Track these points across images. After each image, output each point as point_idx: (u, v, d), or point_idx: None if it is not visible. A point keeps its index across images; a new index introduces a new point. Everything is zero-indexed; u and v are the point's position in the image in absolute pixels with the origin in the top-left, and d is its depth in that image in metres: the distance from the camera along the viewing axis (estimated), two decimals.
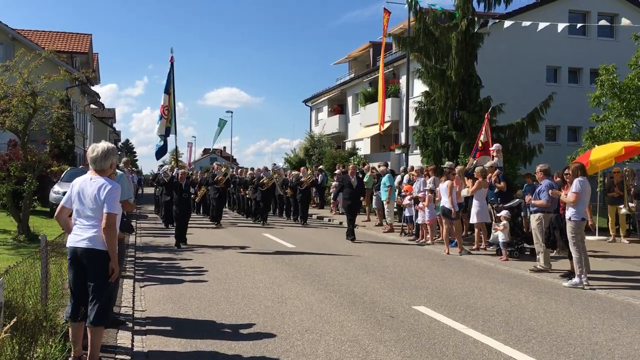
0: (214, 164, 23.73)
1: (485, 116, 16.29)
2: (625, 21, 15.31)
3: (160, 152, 16.41)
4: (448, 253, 12.52)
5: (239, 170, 21.51)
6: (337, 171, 23.50)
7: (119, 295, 7.60)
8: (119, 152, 64.26)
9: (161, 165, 22.91)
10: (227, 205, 23.36)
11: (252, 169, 23.48)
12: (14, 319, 3.95)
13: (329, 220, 20.65)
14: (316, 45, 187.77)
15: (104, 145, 5.02)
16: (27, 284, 5.17)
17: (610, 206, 14.43)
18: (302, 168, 23.24)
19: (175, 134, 16.20)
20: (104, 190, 4.76)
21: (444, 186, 12.73)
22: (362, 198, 15.72)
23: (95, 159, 4.93)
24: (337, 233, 16.63)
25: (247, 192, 20.85)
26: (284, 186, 20.43)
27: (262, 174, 20.53)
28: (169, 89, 15.78)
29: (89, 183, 4.88)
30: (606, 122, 18.00)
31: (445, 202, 12.65)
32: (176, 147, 17.51)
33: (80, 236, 4.79)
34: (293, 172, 21.91)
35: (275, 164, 23.57)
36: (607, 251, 12.71)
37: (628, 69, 17.96)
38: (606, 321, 6.95)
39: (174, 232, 15.78)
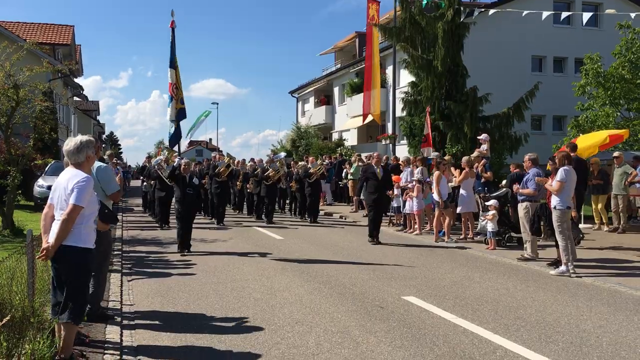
0: (215, 154, 20.57)
1: (427, 110, 16.82)
2: (609, 11, 15.43)
3: (175, 139, 14.35)
4: (436, 241, 12.62)
5: (236, 161, 18.78)
6: (325, 162, 23.48)
7: (106, 289, 7.54)
8: (104, 145, 63.65)
9: (149, 157, 21.44)
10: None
11: (252, 159, 21.08)
12: (7, 318, 3.89)
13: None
14: (302, 36, 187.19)
15: (77, 138, 5.00)
16: (13, 280, 5.10)
17: (593, 195, 14.56)
18: (310, 158, 20.94)
19: (185, 116, 13.98)
20: (72, 182, 4.70)
21: (433, 176, 12.80)
22: (389, 192, 13.82)
23: (69, 153, 4.91)
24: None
25: (248, 185, 18.60)
26: (288, 179, 18.54)
27: (267, 166, 17.81)
28: (174, 62, 13.57)
29: (63, 176, 4.88)
30: (591, 111, 18.16)
31: (433, 192, 12.73)
32: (180, 132, 14.95)
33: (52, 230, 4.74)
34: (300, 163, 19.49)
35: (275, 153, 21.96)
36: (593, 239, 12.83)
37: (612, 57, 18.10)
38: (593, 309, 7.02)
39: (163, 227, 15.18)
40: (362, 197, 16.50)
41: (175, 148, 15.75)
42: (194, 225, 11.63)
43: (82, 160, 4.92)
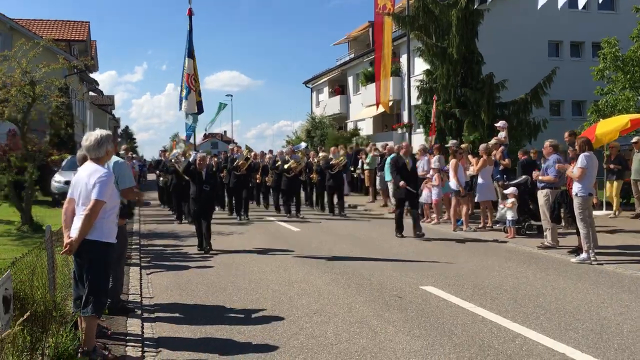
0: (232, 146, 19.25)
1: (433, 98, 17.48)
2: None
3: (190, 134, 13.34)
4: (455, 230, 12.55)
5: (252, 154, 17.41)
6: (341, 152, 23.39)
7: (126, 283, 7.62)
8: (119, 139, 64.11)
9: (164, 151, 21.24)
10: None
11: (270, 151, 20.61)
12: (28, 312, 3.94)
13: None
14: (316, 26, 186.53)
15: (97, 133, 5.00)
16: (34, 275, 5.16)
17: (608, 181, 14.33)
18: (332, 148, 19.65)
19: (202, 109, 12.69)
20: (94, 177, 4.73)
21: (450, 165, 12.72)
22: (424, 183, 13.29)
23: (89, 148, 4.92)
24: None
25: (267, 178, 17.68)
26: (308, 170, 17.59)
27: (288, 157, 16.96)
28: (192, 52, 12.37)
29: (83, 171, 4.91)
30: (611, 95, 17.86)
31: (450, 181, 12.64)
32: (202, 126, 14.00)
33: (74, 225, 4.80)
34: (320, 154, 18.51)
35: (292, 144, 20.90)
36: (614, 226, 12.67)
37: (630, 41, 17.78)
38: (614, 296, 6.93)
39: (181, 222, 14.90)
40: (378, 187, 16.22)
41: (191, 141, 15.25)
42: (212, 221, 11.09)
43: (102, 155, 4.95)
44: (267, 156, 19.11)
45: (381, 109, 28.47)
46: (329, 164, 16.59)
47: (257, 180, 18.15)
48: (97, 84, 37.20)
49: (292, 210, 16.35)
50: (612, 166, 14.04)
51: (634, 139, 13.95)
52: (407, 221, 12.32)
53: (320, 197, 17.65)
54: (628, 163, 14.10)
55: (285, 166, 16.27)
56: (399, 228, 12.08)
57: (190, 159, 11.07)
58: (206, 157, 11.24)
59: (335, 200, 16.82)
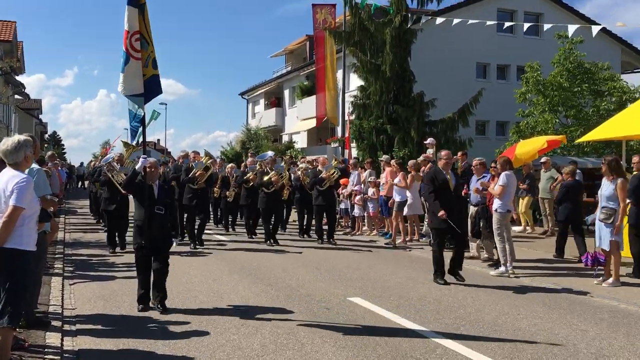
0: (188, 152, 13.80)
1: (347, 116, 19.15)
2: (547, 26, 16.03)
3: (138, 127, 7.41)
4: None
5: (212, 161, 13.52)
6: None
7: (46, 294, 7.37)
8: (46, 145, 61.60)
9: (98, 158, 18.20)
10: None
11: (222, 160, 17.88)
12: None
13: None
14: (253, 38, 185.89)
15: (15, 137, 4.87)
16: None
17: (520, 198, 14.81)
18: (320, 157, 15.37)
19: (160, 90, 7.03)
20: (12, 183, 4.58)
21: (396, 179, 12.91)
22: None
23: (6, 152, 4.77)
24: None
25: (227, 193, 14.85)
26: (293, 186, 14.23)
27: (267, 168, 13.22)
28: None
29: (0, 177, 4.74)
30: (531, 117, 18.80)
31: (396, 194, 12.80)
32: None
33: None
34: (301, 165, 15.45)
35: (251, 151, 17.06)
36: (531, 241, 13.33)
37: (552, 66, 18.84)
38: (529, 308, 7.30)
39: (114, 251, 11.23)
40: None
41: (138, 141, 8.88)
42: None
43: (20, 160, 4.79)
44: (229, 166, 15.93)
45: (314, 123, 28.76)
46: (319, 179, 13.24)
47: (216, 195, 14.88)
48: (24, 87, 35.63)
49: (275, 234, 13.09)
50: (522, 186, 14.62)
51: (543, 159, 14.57)
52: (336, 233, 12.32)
53: (307, 221, 14.53)
54: (536, 182, 14.73)
55: (265, 178, 12.85)
56: (439, 271, 8.79)
57: (137, 167, 7.06)
58: (157, 164, 7.54)
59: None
